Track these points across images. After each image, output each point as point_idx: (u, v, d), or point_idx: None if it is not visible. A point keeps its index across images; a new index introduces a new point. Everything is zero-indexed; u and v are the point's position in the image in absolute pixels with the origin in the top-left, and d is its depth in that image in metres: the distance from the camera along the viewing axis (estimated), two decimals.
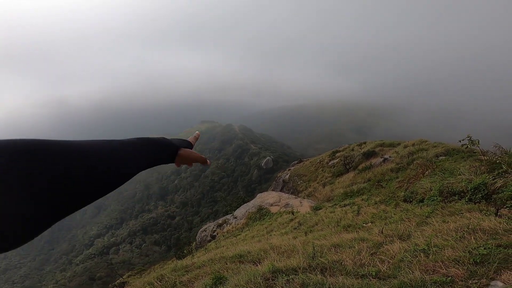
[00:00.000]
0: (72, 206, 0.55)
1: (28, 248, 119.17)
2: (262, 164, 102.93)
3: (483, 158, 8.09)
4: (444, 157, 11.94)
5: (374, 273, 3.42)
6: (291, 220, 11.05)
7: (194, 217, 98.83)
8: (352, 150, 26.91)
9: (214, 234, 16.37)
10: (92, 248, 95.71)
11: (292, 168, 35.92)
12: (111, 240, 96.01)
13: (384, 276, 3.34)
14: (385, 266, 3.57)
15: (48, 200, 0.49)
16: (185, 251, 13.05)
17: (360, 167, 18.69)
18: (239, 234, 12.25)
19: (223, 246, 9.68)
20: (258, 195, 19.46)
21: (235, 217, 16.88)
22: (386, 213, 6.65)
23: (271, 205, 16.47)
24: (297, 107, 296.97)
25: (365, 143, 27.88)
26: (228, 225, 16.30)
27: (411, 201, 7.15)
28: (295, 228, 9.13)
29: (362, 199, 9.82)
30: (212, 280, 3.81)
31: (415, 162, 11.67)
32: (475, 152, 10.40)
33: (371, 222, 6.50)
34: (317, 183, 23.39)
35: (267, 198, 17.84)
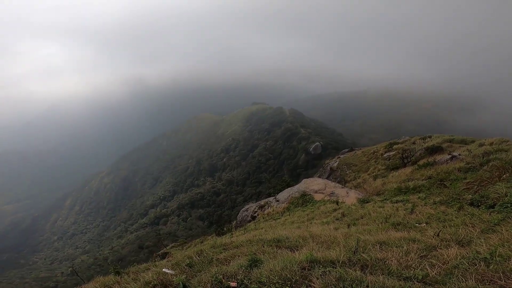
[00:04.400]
0: None
1: (96, 213, 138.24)
2: (311, 149, 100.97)
3: None
4: None
5: (420, 277, 3.14)
6: (335, 210, 10.67)
7: (237, 196, 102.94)
8: (414, 143, 24.62)
9: (255, 215, 16.78)
10: (146, 218, 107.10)
11: (342, 156, 34.50)
12: (163, 211, 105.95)
13: (432, 282, 3.05)
14: (435, 271, 3.26)
15: None
16: (225, 229, 13.67)
17: (420, 162, 16.99)
18: (279, 218, 12.30)
19: (261, 228, 9.83)
20: (303, 180, 19.19)
21: (277, 200, 16.99)
22: (446, 215, 5.93)
23: (316, 192, 16.12)
24: (354, 94, 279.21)
25: (430, 137, 25.26)
26: (269, 208, 16.51)
27: (479, 206, 6.25)
28: (338, 219, 8.79)
29: (419, 197, 8.94)
30: (248, 261, 3.84)
31: (490, 164, 10.11)
32: None
33: (426, 223, 5.89)
34: (368, 174, 22.12)
35: (312, 184, 17.48)
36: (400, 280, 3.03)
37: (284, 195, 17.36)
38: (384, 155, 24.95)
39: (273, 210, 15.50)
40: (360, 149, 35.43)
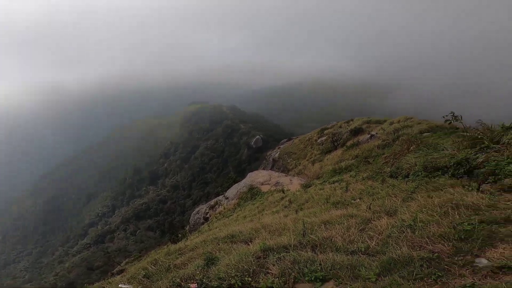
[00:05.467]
0: None
1: (24, 241, 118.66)
2: (252, 143, 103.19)
3: (465, 134, 8.32)
4: (428, 133, 12.27)
5: (363, 249, 3.52)
6: (282, 198, 11.27)
7: (186, 200, 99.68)
8: (340, 127, 27.24)
9: (207, 216, 16.67)
10: (87, 238, 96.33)
11: (282, 146, 36.23)
12: (105, 228, 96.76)
13: (373, 252, 3.45)
14: (374, 242, 3.67)
15: None
16: (179, 235, 13.34)
17: (348, 143, 19.02)
18: (231, 215, 12.49)
19: (216, 228, 9.87)
20: (248, 174, 19.67)
21: (227, 198, 17.12)
22: (374, 189, 6.84)
23: (262, 184, 16.73)
24: (290, 86, 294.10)
25: (352, 120, 28.21)
26: (220, 206, 16.56)
27: (397, 177, 7.36)
28: (286, 207, 9.34)
29: (350, 176, 10.05)
30: (204, 261, 3.90)
31: (400, 139, 11.95)
32: (458, 129, 10.68)
33: (359, 198, 6.69)
34: (307, 160, 23.77)
35: (258, 177, 18.07)
36: (348, 255, 3.41)
37: (232, 191, 17.57)
38: (318, 141, 27.10)
39: (224, 208, 15.59)
40: (297, 137, 37.67)
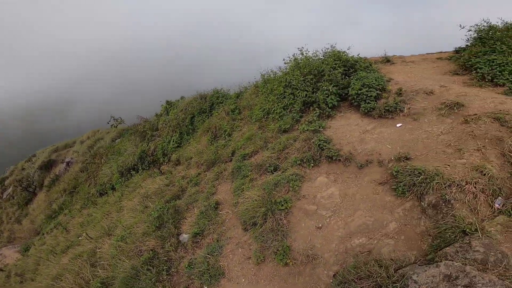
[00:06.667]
0: None
1: None
2: None
3: (136, 131, 10.40)
4: (119, 139, 13.59)
5: (100, 285, 3.65)
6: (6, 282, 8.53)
7: None
8: (23, 169, 22.31)
9: None
10: None
11: None
12: None
13: (111, 282, 3.65)
14: (107, 272, 3.78)
15: None
16: None
17: (46, 182, 16.47)
18: None
19: None
20: None
21: None
22: (91, 216, 7.10)
23: None
24: None
25: (34, 155, 23.89)
26: None
27: (106, 192, 8.05)
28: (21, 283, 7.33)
29: (65, 214, 9.43)
30: None
31: (98, 153, 12.40)
32: (135, 127, 12.82)
33: (84, 232, 6.76)
34: (6, 223, 18.04)
35: None
36: None
37: None
38: (4, 197, 20.79)
39: None
40: None
